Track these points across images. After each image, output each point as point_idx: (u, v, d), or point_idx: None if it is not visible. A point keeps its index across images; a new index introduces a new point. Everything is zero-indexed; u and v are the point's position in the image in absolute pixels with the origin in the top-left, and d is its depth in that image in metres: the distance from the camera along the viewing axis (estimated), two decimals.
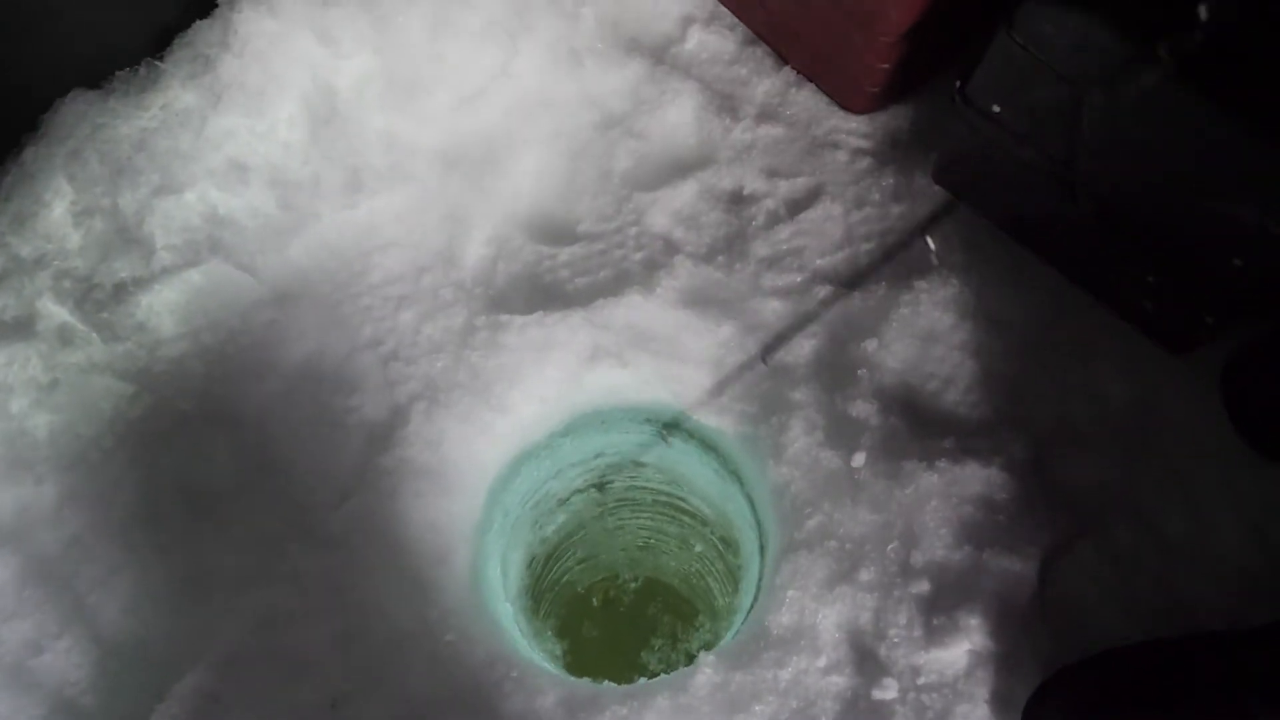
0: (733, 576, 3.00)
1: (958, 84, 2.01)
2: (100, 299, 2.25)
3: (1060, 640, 1.90)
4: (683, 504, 2.99)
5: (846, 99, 2.54)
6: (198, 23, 2.50)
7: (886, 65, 2.30)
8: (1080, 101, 1.76)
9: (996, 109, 1.93)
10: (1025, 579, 1.92)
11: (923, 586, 1.93)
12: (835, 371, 2.19)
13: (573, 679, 2.12)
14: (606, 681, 2.18)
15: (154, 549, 2.16)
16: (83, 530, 2.17)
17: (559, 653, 2.80)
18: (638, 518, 3.20)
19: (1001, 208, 2.21)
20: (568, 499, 2.90)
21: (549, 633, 2.88)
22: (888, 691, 1.87)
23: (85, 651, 2.09)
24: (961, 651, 1.88)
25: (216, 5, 2.48)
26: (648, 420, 2.53)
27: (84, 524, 2.18)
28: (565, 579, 3.34)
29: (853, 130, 2.53)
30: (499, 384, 2.27)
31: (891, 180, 2.42)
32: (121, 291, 2.26)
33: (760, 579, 2.28)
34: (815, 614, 1.95)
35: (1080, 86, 1.73)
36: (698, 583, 3.36)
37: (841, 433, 2.11)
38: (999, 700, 1.85)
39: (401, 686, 1.97)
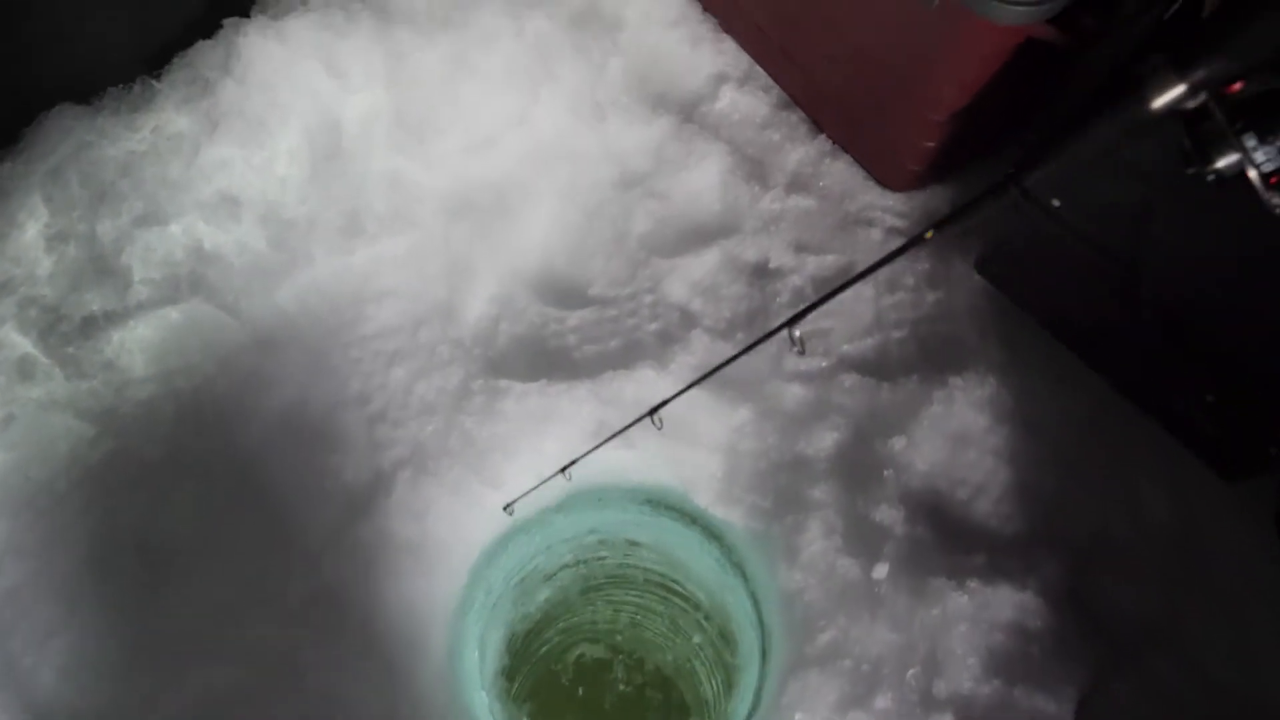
0: (723, 666, 2.81)
1: (1012, 172, 1.86)
2: (67, 332, 2.08)
3: None
4: (677, 587, 2.81)
5: (884, 175, 2.39)
6: (200, 42, 2.35)
7: (932, 144, 2.16)
8: (1154, 200, 1.61)
9: (1057, 203, 1.79)
10: None
11: None
12: (859, 469, 2.02)
13: None
14: None
15: (100, 609, 1.97)
16: (23, 583, 1.98)
17: None
18: (627, 595, 3.01)
19: (1049, 307, 2.06)
20: (554, 574, 2.71)
21: (524, 719, 2.67)
22: None
23: (15, 717, 1.89)
24: None
25: (221, 26, 2.33)
26: (647, 501, 2.35)
27: (25, 576, 1.99)
28: (544, 651, 3.14)
29: (889, 208, 2.38)
30: (493, 455, 2.10)
31: (928, 265, 2.27)
32: (91, 325, 2.08)
33: (760, 687, 2.10)
34: None
35: (1157, 184, 1.59)
36: (684, 665, 3.16)
37: (863, 539, 1.94)
38: None
39: None
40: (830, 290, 1.51)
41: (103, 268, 2.12)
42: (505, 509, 2.03)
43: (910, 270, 2.28)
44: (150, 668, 1.92)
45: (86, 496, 2.05)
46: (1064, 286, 1.95)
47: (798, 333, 1.53)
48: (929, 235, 1.39)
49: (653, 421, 1.79)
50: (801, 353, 1.64)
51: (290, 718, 1.85)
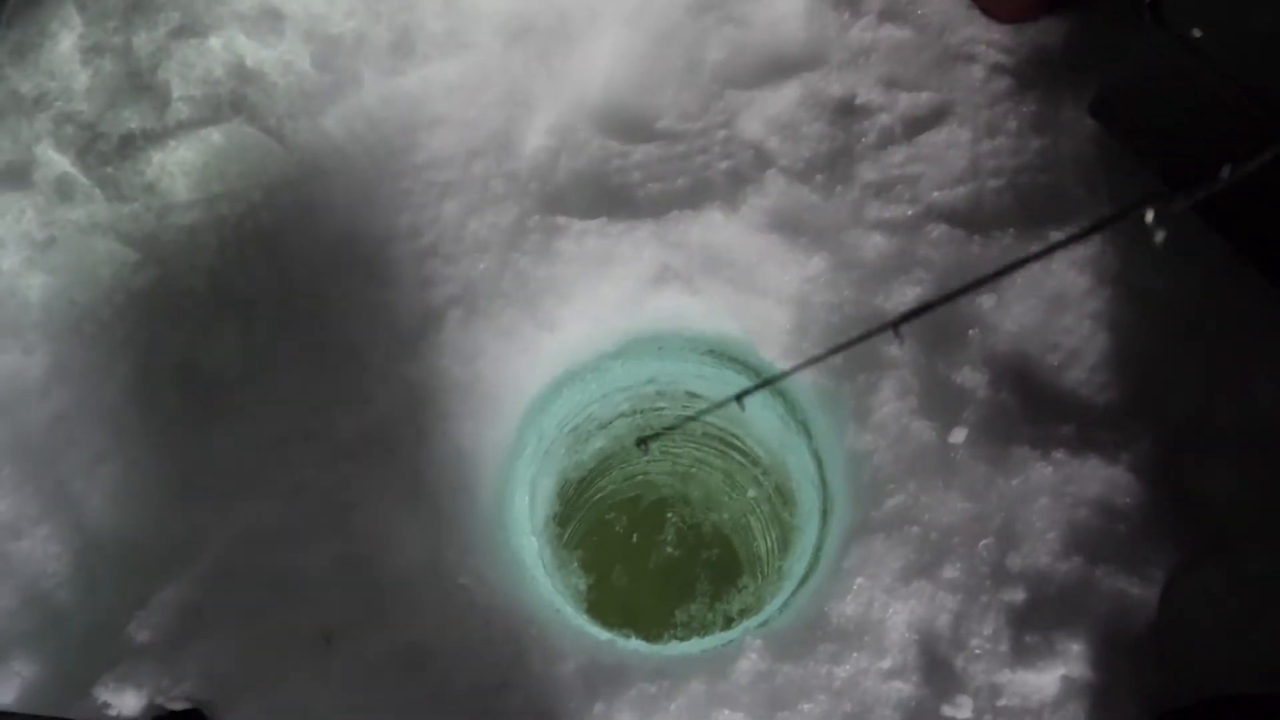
0: (779, 524, 2.75)
1: None
2: (105, 151, 1.97)
3: (1169, 678, 1.62)
4: (736, 442, 2.72)
5: (991, 2, 2.13)
6: None
7: None
8: None
9: (1197, 33, 1.55)
10: (1143, 605, 1.63)
11: (1017, 595, 1.66)
12: (940, 328, 1.87)
13: (596, 634, 1.89)
14: (635, 639, 1.95)
15: (146, 438, 1.94)
16: (70, 408, 1.95)
17: (583, 588, 2.57)
18: (684, 447, 2.94)
19: (1174, 157, 1.84)
20: (610, 423, 2.63)
21: (575, 564, 2.65)
22: (960, 709, 1.61)
23: (65, 542, 1.89)
24: (1054, 677, 1.61)
25: None
26: (710, 352, 2.24)
27: (72, 401, 1.96)
28: (597, 499, 3.11)
29: (994, 42, 2.14)
30: (548, 297, 1.98)
31: (1034, 107, 2.04)
32: (130, 145, 1.97)
33: (819, 549, 2.02)
34: (885, 608, 1.69)
35: None
36: (739, 520, 3.11)
37: (941, 402, 1.81)
38: None
39: (405, 629, 1.75)
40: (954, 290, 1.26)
41: (140, 84, 2.00)
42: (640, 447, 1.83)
43: (1014, 113, 2.05)
44: (197, 499, 1.90)
45: (131, 324, 1.99)
46: (1195, 133, 1.72)
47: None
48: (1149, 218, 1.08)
49: (895, 335, 1.51)
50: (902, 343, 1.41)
51: (338, 555, 1.81)
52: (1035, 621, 1.63)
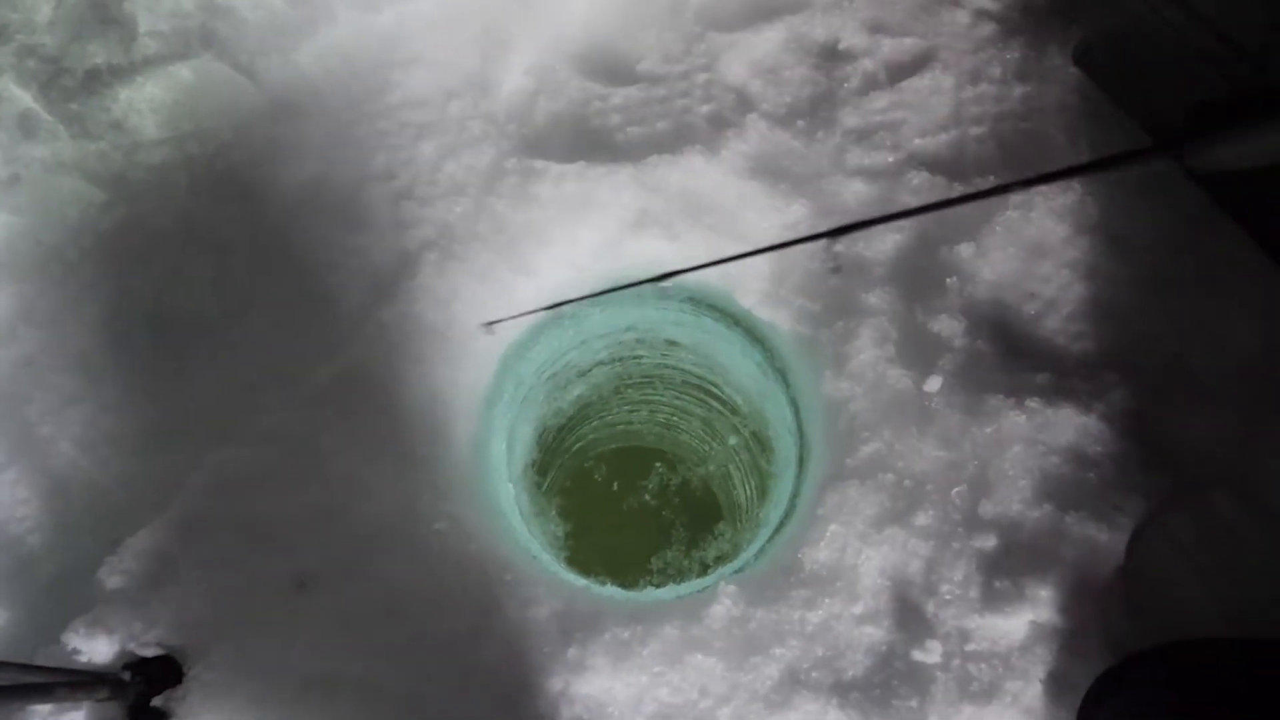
0: (758, 472, 2.76)
1: None
2: (70, 86, 1.92)
3: (1137, 624, 1.64)
4: (715, 390, 2.72)
5: None
6: None
7: None
8: None
9: None
10: (1110, 551, 1.65)
11: (988, 542, 1.67)
12: (919, 276, 1.86)
13: (572, 580, 1.90)
14: (610, 585, 1.96)
15: (116, 382, 1.91)
16: (37, 351, 1.92)
17: (561, 534, 2.58)
18: (662, 395, 2.94)
19: (1154, 106, 1.82)
20: (589, 371, 2.62)
21: (553, 512, 2.65)
22: (930, 654, 1.62)
23: (33, 486, 1.87)
24: (1022, 622, 1.62)
25: None
26: (689, 299, 2.22)
27: (40, 344, 1.93)
28: (577, 448, 3.11)
29: None
30: (525, 241, 1.95)
31: (1018, 54, 2.02)
32: (95, 80, 1.92)
33: (795, 496, 2.03)
34: (858, 554, 1.70)
35: None
36: (718, 469, 3.12)
37: (917, 350, 1.80)
38: (1056, 682, 1.60)
39: (380, 575, 1.74)
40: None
41: (105, 16, 1.94)
42: (485, 327, 1.87)
43: (998, 60, 2.03)
44: (169, 444, 1.87)
45: (99, 266, 1.96)
46: (1178, 83, 1.71)
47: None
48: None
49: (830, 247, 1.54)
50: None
51: (311, 501, 1.79)
52: (1005, 568, 1.65)
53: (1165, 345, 1.83)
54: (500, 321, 1.87)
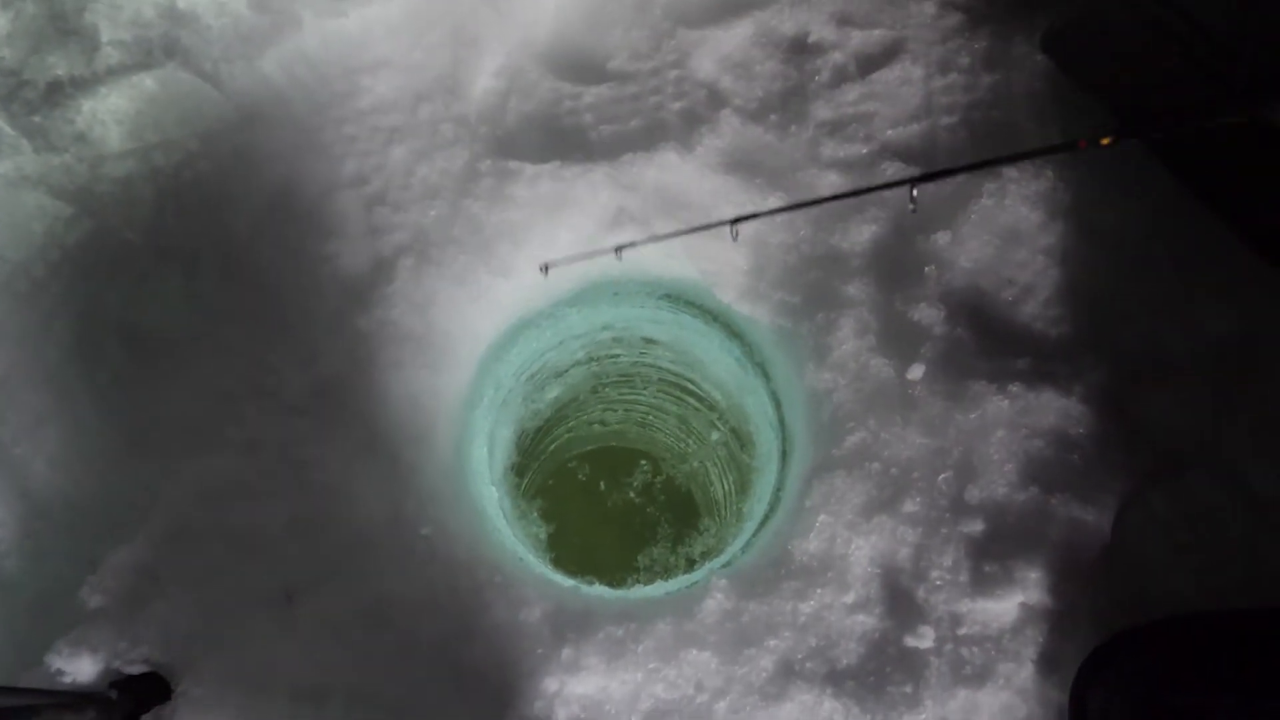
0: (737, 466, 2.76)
1: None
2: (31, 99, 1.88)
3: (1123, 602, 1.66)
4: (692, 387, 2.72)
5: None
6: None
7: None
8: None
9: None
10: (1095, 531, 1.66)
11: (976, 527, 1.68)
12: (897, 266, 1.87)
13: (561, 582, 1.89)
14: (598, 585, 1.95)
15: (89, 398, 1.88)
16: (8, 370, 1.88)
17: (544, 536, 2.57)
18: (640, 394, 2.94)
19: (1121, 92, 1.85)
20: (566, 371, 2.62)
21: (534, 514, 2.64)
22: (922, 639, 1.63)
23: (9, 508, 1.84)
24: (1013, 604, 1.64)
25: None
26: (666, 296, 2.22)
27: (9, 363, 1.89)
28: (554, 449, 3.10)
29: None
30: (502, 243, 1.94)
31: (986, 43, 2.04)
32: (57, 92, 1.88)
33: (779, 489, 2.03)
34: (847, 544, 1.70)
35: None
36: (695, 466, 3.12)
37: (898, 339, 1.81)
38: (1048, 662, 1.62)
39: (369, 583, 1.72)
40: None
41: (65, 27, 1.90)
42: (542, 269, 1.90)
43: (966, 49, 2.05)
44: (145, 459, 1.84)
45: (67, 281, 1.92)
46: (1144, 68, 1.73)
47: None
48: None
49: (731, 233, 1.61)
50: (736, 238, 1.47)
51: (292, 511, 1.77)
52: (994, 551, 1.66)
53: (1142, 328, 1.85)
54: (557, 264, 1.88)
